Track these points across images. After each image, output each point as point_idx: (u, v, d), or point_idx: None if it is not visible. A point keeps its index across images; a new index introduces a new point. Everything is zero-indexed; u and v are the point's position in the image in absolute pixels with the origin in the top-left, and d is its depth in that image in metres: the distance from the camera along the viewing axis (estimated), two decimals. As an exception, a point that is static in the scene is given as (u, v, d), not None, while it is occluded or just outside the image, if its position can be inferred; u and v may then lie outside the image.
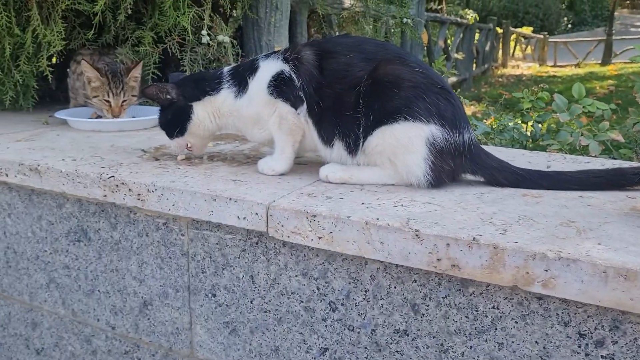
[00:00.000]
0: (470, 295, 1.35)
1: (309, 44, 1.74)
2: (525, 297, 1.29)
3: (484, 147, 1.77)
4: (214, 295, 1.70)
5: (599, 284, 1.16)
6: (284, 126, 1.69)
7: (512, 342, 1.33)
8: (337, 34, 3.83)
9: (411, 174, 1.60)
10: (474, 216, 1.41)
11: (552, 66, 18.51)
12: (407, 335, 1.44)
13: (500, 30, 16.32)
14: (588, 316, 1.25)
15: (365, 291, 1.47)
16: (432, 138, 1.55)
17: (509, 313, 1.32)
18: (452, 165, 1.60)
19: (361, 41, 1.73)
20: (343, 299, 1.50)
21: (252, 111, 1.74)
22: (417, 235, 1.31)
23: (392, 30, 4.36)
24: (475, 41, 11.21)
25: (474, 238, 1.27)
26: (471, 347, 1.38)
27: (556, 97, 2.53)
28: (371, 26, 3.93)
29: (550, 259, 1.20)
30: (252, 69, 1.75)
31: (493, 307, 1.33)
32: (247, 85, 1.75)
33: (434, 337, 1.41)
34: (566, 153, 2.45)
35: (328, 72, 1.65)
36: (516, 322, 1.32)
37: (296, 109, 1.66)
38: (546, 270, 1.20)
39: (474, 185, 1.68)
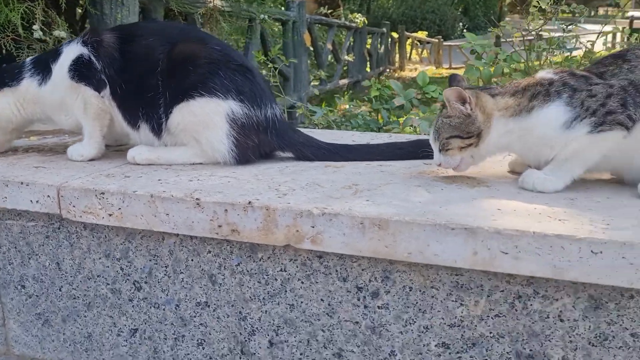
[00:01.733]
0: (260, 260, 1.39)
1: (112, 29, 1.74)
2: (307, 257, 1.35)
3: (332, 131, 1.83)
4: (24, 287, 1.65)
5: (359, 235, 1.23)
6: (89, 110, 1.67)
7: (302, 302, 1.38)
8: (201, 32, 3.82)
9: (216, 150, 1.62)
10: (264, 185, 1.45)
11: (447, 68, 19.39)
12: (209, 306, 1.46)
13: (396, 35, 16.92)
14: (362, 269, 1.32)
15: (166, 267, 1.48)
16: (231, 113, 1.58)
17: (295, 274, 1.37)
18: (257, 141, 1.65)
19: (166, 26, 1.75)
20: (146, 277, 1.50)
21: (57, 97, 1.70)
22: (198, 204, 1.34)
23: (269, 29, 4.42)
24: (368, 45, 11.58)
25: (249, 202, 1.31)
26: (266, 311, 1.41)
27: (392, 83, 2.66)
28: (245, 23, 3.96)
29: (315, 216, 1.25)
30: (56, 55, 1.72)
31: (281, 270, 1.38)
32: (50, 71, 1.72)
33: (232, 305, 1.44)
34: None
35: (130, 55, 1.65)
36: (302, 283, 1.37)
37: (99, 92, 1.65)
38: (313, 227, 1.26)
39: (284, 161, 1.73)
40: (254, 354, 1.44)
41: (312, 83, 7.53)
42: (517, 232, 1.14)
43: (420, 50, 19.29)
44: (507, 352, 1.26)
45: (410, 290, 1.29)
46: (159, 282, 1.49)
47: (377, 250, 1.23)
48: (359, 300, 1.33)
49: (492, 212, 1.25)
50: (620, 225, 1.17)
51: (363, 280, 1.32)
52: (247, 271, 1.40)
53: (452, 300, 1.27)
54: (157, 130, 1.64)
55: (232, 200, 1.32)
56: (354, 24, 9.75)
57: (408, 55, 18.28)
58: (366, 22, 10.43)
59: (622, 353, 1.19)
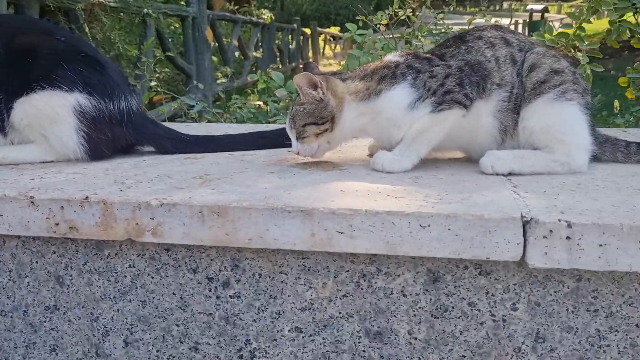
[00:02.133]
0: (107, 257, 1.33)
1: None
2: (155, 251, 1.31)
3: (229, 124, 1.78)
4: None
5: (198, 224, 1.21)
6: None
7: (154, 297, 1.34)
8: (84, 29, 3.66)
9: (65, 146, 1.55)
10: (109, 180, 1.40)
11: (361, 63, 19.76)
12: (58, 310, 1.39)
13: (308, 31, 17.00)
14: (211, 260, 1.29)
15: (10, 271, 1.39)
16: (79, 107, 1.51)
17: (144, 269, 1.33)
18: (111, 135, 1.59)
19: (7, 18, 1.65)
20: (-11, 284, 1.41)
21: None
22: (32, 202, 1.27)
23: (170, 26, 4.29)
24: (279, 41, 11.56)
25: (86, 197, 1.25)
26: (118, 310, 1.36)
27: (274, 75, 2.64)
28: (135, 18, 3.82)
29: (154, 207, 1.22)
30: None
31: (130, 266, 1.33)
32: None
33: (83, 307, 1.38)
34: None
35: (-35, 49, 1.54)
36: (152, 277, 1.33)
37: None
38: (152, 219, 1.22)
39: (143, 155, 1.68)
40: (110, 355, 1.39)
41: (218, 80, 7.43)
42: (350, 212, 1.15)
43: (333, 45, 19.48)
44: (357, 331, 1.27)
45: (260, 277, 1.28)
46: (3, 288, 1.41)
47: (219, 239, 1.21)
48: (210, 291, 1.31)
49: (335, 194, 1.25)
50: (451, 199, 1.20)
51: (213, 270, 1.30)
52: (95, 270, 1.35)
53: (301, 284, 1.27)
54: (1, 127, 1.54)
55: (68, 196, 1.26)
56: (261, 20, 9.71)
57: (321, 50, 18.42)
58: (273, 17, 10.41)
59: (461, 322, 1.23)
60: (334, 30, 20.92)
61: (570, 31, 1.81)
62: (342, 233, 1.16)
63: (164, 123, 1.90)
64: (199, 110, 2.56)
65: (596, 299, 1.17)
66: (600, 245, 1.08)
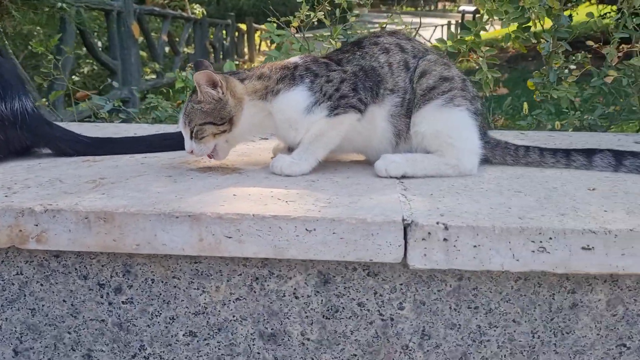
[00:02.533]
0: (-7, 265, 1.29)
1: None
2: (44, 258, 1.28)
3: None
4: None
5: (85, 231, 1.19)
6: None
7: (43, 305, 1.30)
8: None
9: (-47, 150, 1.48)
10: (-4, 184, 1.35)
11: (298, 60, 19.77)
12: (-58, 320, 1.33)
13: (244, 27, 16.86)
14: (102, 265, 1.27)
15: None
16: None
17: (33, 276, 1.29)
18: (3, 137, 1.53)
19: None
20: None
21: None
22: None
23: (91, 21, 4.15)
24: (212, 36, 11.41)
25: (-34, 203, 1.21)
26: (7, 319, 1.32)
27: (190, 75, 2.62)
28: (47, 11, 3.68)
29: (38, 213, 1.19)
30: None
31: (17, 274, 1.29)
32: None
33: (-32, 316, 1.33)
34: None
35: None
36: (42, 285, 1.29)
37: None
38: (37, 225, 1.19)
39: (41, 158, 1.63)
40: (-2, 365, 1.35)
41: (147, 76, 7.27)
42: (238, 216, 1.16)
43: (269, 42, 19.44)
44: (251, 334, 1.29)
45: (152, 282, 1.27)
46: None
47: (106, 245, 1.19)
48: (102, 297, 1.29)
49: (227, 198, 1.26)
50: (340, 202, 1.23)
51: (104, 276, 1.28)
52: (-19, 278, 1.30)
53: (195, 288, 1.27)
54: None
55: (-54, 203, 1.21)
56: (193, 15, 9.55)
57: (257, 47, 18.33)
58: (205, 13, 10.27)
59: (352, 322, 1.26)
60: (293, 22, 20.86)
61: (469, 38, 1.90)
62: (230, 237, 1.17)
63: (73, 123, 1.86)
64: (109, 110, 2.50)
65: (476, 297, 1.23)
66: (475, 246, 1.14)
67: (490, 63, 1.97)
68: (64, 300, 1.30)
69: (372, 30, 2.98)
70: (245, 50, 16.99)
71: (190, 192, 1.30)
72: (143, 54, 7.92)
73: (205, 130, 1.44)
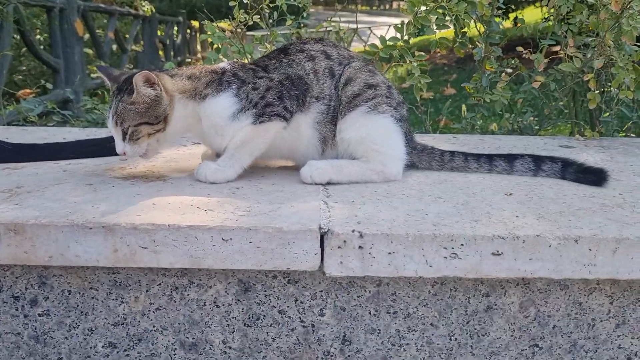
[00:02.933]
0: None
1: None
2: (-46, 271, 1.23)
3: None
4: None
5: (-6, 243, 1.15)
6: None
7: (-45, 319, 1.26)
8: None
9: None
10: None
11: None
12: None
13: (196, 24, 16.65)
14: (17, 277, 1.24)
15: None
16: None
17: (-58, 290, 1.25)
18: None
19: None
20: None
21: None
22: None
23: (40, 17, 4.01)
24: (162, 33, 11.21)
25: None
26: None
27: (167, 64, 2.59)
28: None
29: (-57, 226, 1.15)
30: None
31: None
32: None
33: None
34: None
35: None
36: (-48, 298, 1.25)
37: None
38: (-59, 238, 1.15)
39: (-43, 164, 1.57)
40: None
41: (93, 75, 7.09)
42: (153, 227, 1.15)
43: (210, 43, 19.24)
44: (172, 343, 1.27)
45: (69, 294, 1.25)
46: None
47: (17, 257, 1.16)
48: (17, 310, 1.26)
49: (145, 207, 1.25)
50: (259, 210, 1.24)
51: (19, 288, 1.25)
52: None
53: (113, 299, 1.25)
54: None
55: None
56: (141, 12, 9.37)
57: (210, 44, 18.14)
58: (154, 10, 10.09)
59: (273, 330, 1.27)
60: (225, 24, 20.71)
61: (398, 45, 1.93)
62: (145, 248, 1.15)
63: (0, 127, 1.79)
64: (42, 112, 2.44)
65: (395, 302, 1.26)
66: (389, 253, 1.16)
67: (423, 68, 2.00)
68: (-24, 314, 1.26)
69: (328, 29, 2.99)
70: (198, 47, 16.79)
71: (109, 201, 1.28)
72: (89, 51, 7.72)
73: (141, 131, 1.41)
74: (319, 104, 1.47)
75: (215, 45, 3.06)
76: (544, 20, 2.37)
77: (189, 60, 15.36)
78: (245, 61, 1.53)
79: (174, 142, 1.54)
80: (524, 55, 2.39)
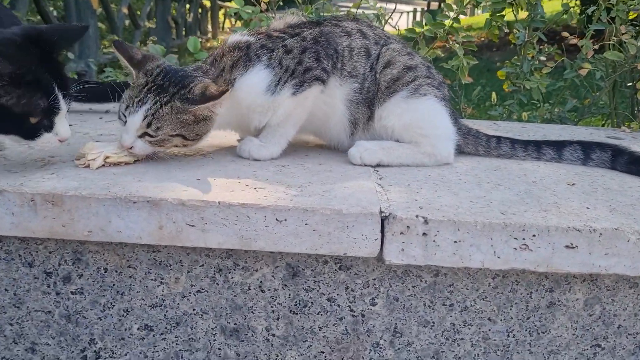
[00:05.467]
0: None
1: None
2: (-17, 242, 1.15)
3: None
4: None
5: (30, 214, 1.07)
6: None
7: (-18, 294, 1.18)
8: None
9: None
10: None
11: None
12: None
13: (208, 3, 16.45)
14: (50, 252, 1.16)
15: None
16: None
17: (-30, 263, 1.17)
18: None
19: None
20: None
21: None
22: None
23: None
24: (174, 11, 11.07)
25: None
26: (-60, 308, 1.19)
27: (151, 48, 2.48)
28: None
29: (-24, 194, 1.06)
30: None
31: (-47, 259, 1.17)
32: None
33: None
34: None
35: None
36: (-19, 272, 1.17)
37: None
38: (-27, 207, 1.07)
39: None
40: None
41: (106, 49, 6.98)
42: (202, 203, 1.06)
43: (234, 20, 19.06)
44: (212, 328, 1.20)
45: (105, 272, 1.17)
46: None
47: (54, 230, 1.08)
48: (49, 287, 1.18)
49: (190, 182, 1.16)
50: (312, 191, 1.15)
51: (52, 264, 1.17)
52: None
53: (152, 279, 1.17)
54: None
55: None
56: (154, -12, 9.23)
57: (221, 24, 17.94)
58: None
59: (321, 318, 1.19)
60: (233, 4, 20.46)
61: (447, 23, 1.83)
62: (192, 226, 1.07)
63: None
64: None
65: (452, 294, 1.18)
66: (455, 242, 1.07)
67: (466, 49, 1.91)
68: (5, 290, 1.18)
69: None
70: (209, 27, 16.61)
71: (149, 174, 1.20)
72: (102, 26, 7.61)
73: (172, 141, 1.26)
74: (352, 82, 1.37)
75: (239, 22, 2.96)
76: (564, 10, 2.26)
77: (200, 40, 15.20)
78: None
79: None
80: (565, 43, 2.29)
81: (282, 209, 1.06)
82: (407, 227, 1.06)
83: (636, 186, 1.34)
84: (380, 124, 1.39)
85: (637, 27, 2.15)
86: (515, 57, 2.39)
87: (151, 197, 1.06)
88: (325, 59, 1.33)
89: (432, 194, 1.19)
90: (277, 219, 1.06)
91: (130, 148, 1.24)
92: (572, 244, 1.07)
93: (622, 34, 1.98)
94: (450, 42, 1.91)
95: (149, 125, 1.22)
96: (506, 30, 2.37)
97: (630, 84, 2.30)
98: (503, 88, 2.52)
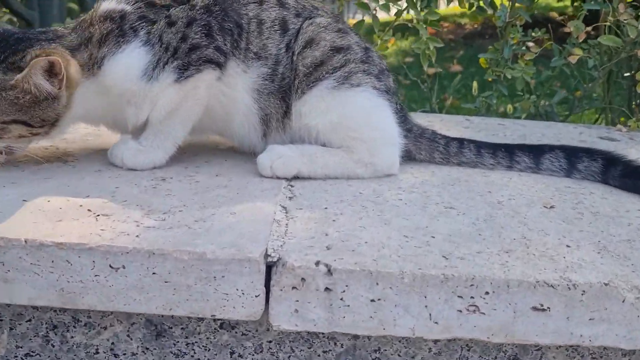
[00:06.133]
0: None
1: None
2: None
3: None
4: None
5: None
6: None
7: None
8: None
9: None
10: None
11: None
12: None
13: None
14: None
15: None
16: None
17: None
18: None
19: None
20: None
21: None
22: None
23: None
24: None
25: None
26: None
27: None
28: None
29: None
30: None
31: None
32: None
33: None
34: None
35: None
36: None
37: None
38: None
39: None
40: None
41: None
42: (3, 241, 0.72)
43: None
44: (49, 405, 0.86)
45: None
46: None
47: None
48: None
49: (7, 206, 0.82)
50: (179, 219, 0.82)
51: None
52: None
53: (-41, 339, 0.84)
54: None
55: None
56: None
57: None
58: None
59: (198, 392, 0.86)
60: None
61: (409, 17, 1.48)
62: (-13, 275, 0.73)
63: None
64: None
65: (379, 362, 0.85)
66: (373, 300, 0.74)
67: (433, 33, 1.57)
68: None
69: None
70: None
71: (-39, 192, 0.86)
72: (73, 5, 7.19)
73: (10, 131, 0.96)
74: (260, 66, 1.04)
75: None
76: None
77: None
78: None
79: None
80: (554, 28, 1.95)
81: (119, 252, 0.72)
82: (302, 279, 0.73)
83: (635, 209, 1.01)
84: (301, 122, 1.05)
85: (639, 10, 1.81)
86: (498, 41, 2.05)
87: None
88: (220, 34, 0.99)
89: (353, 224, 0.85)
90: (111, 266, 0.73)
91: None
92: (542, 305, 0.74)
93: (621, 14, 1.64)
94: (414, 22, 1.57)
95: None
96: (490, 12, 2.03)
97: (628, 74, 1.96)
98: (487, 78, 2.18)
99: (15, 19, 5.77)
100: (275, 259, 0.73)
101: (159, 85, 0.97)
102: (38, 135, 0.98)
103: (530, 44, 2.02)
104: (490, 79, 2.13)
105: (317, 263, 0.73)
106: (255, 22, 1.03)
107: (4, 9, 5.84)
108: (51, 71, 0.94)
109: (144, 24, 0.99)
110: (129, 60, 0.97)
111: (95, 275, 0.73)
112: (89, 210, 0.83)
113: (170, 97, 0.98)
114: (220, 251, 0.73)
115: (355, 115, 1.03)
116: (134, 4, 1.02)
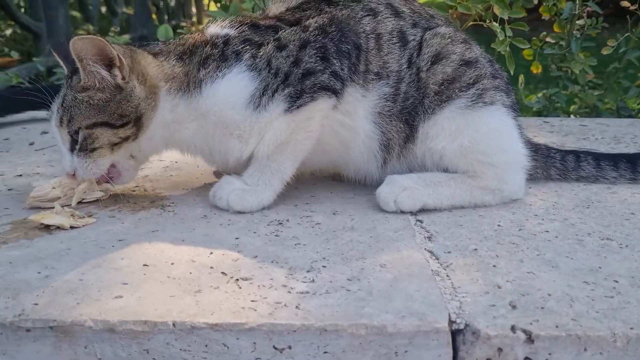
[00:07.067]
0: None
1: None
2: None
3: None
4: None
5: None
6: None
7: None
8: None
9: None
10: None
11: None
12: None
13: (191, -15, 15.80)
14: None
15: None
16: None
17: None
18: None
19: None
20: None
21: None
22: None
23: None
24: (155, -5, 10.45)
25: None
26: None
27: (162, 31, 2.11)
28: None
29: None
30: None
31: None
32: None
33: None
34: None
35: None
36: None
37: None
38: None
39: None
40: None
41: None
42: (145, 326, 0.62)
43: (218, 4, 18.42)
44: None
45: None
46: None
47: None
48: None
49: (130, 275, 0.71)
50: (330, 279, 0.70)
51: None
52: None
53: None
54: None
55: None
56: (132, -29, 8.65)
57: (206, 8, 17.33)
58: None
59: None
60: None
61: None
62: (124, 368, 0.62)
63: None
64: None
65: None
66: (580, 369, 0.63)
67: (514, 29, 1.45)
68: None
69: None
70: (193, 9, 16.01)
71: (65, 260, 0.75)
72: (76, 14, 7.07)
73: (98, 138, 0.88)
74: (382, 86, 0.93)
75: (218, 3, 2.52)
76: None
77: (184, 24, 14.56)
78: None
79: (158, 154, 1.00)
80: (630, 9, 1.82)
81: (284, 330, 0.62)
82: (499, 349, 0.62)
83: None
84: (426, 146, 0.94)
85: None
86: (553, 33, 1.92)
87: (58, 318, 0.61)
88: (337, 58, 0.88)
89: (518, 270, 0.75)
90: (275, 347, 0.62)
91: (74, 174, 0.90)
92: None
93: None
94: (489, 22, 1.45)
95: (61, 122, 0.89)
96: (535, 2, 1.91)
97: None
98: (531, 70, 2.06)
99: (19, 31, 5.66)
100: (461, 326, 0.63)
101: (268, 116, 0.87)
102: (128, 140, 0.89)
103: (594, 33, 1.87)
104: (537, 70, 2.02)
105: (513, 329, 0.62)
106: (373, 37, 0.92)
107: (9, 22, 5.72)
108: (107, 60, 0.87)
109: (248, 47, 0.89)
110: (231, 86, 0.87)
111: (257, 359, 0.62)
112: (223, 273, 0.72)
113: (280, 129, 0.88)
114: (400, 322, 0.62)
115: (488, 139, 0.93)
116: (237, 27, 0.91)
